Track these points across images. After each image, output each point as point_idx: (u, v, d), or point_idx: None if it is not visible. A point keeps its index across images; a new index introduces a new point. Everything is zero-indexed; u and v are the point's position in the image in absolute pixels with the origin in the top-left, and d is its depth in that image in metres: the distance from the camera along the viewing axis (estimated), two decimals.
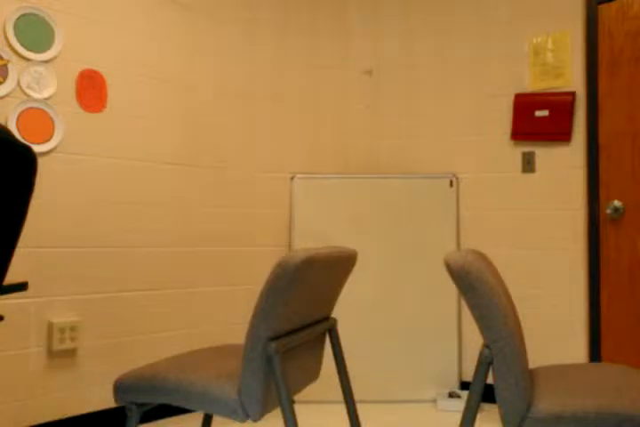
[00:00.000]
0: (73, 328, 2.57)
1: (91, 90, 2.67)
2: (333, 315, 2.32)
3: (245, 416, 1.67)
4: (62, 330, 2.53)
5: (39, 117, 2.50)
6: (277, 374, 1.64)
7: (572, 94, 3.01)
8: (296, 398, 3.16)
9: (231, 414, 1.67)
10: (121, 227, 2.77)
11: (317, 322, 2.00)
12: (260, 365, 1.64)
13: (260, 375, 1.64)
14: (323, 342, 2.12)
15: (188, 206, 3.02)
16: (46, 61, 2.52)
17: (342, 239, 3.25)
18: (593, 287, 2.97)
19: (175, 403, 1.76)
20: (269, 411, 1.75)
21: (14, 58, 2.44)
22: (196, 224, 3.05)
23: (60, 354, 2.56)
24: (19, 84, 2.44)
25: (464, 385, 3.26)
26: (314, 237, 3.25)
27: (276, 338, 1.66)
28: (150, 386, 1.79)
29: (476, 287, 1.56)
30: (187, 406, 1.75)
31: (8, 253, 1.33)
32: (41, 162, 2.49)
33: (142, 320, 2.83)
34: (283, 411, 1.66)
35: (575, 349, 2.99)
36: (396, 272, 3.26)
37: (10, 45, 2.43)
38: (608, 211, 2.92)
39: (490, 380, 2.90)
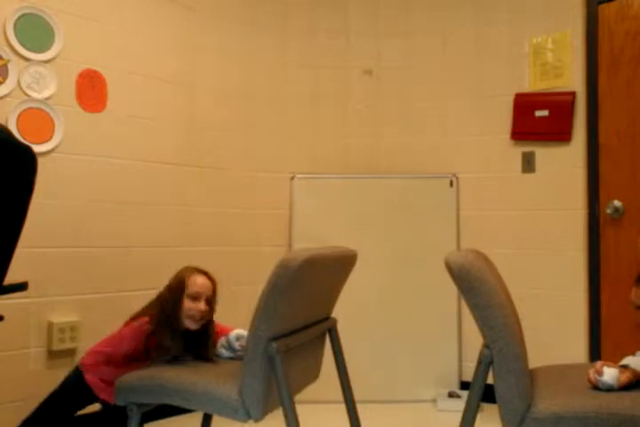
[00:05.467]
0: (73, 328, 2.57)
1: (91, 90, 2.67)
2: (333, 315, 2.33)
3: (247, 416, 1.67)
4: (62, 330, 2.53)
5: (39, 117, 2.50)
6: (279, 374, 1.64)
7: (572, 94, 3.01)
8: (296, 398, 3.15)
9: (233, 414, 1.67)
10: (121, 227, 2.77)
11: (318, 322, 2.00)
12: (261, 365, 1.64)
13: (261, 375, 1.64)
14: (323, 342, 2.12)
15: (188, 206, 3.02)
16: (46, 61, 2.52)
17: (342, 239, 3.25)
18: (593, 287, 2.97)
19: (176, 403, 1.75)
20: (270, 411, 1.75)
21: (14, 58, 2.43)
22: (196, 224, 3.05)
23: (60, 354, 2.55)
24: (19, 84, 2.44)
25: (464, 385, 3.26)
26: (314, 238, 3.25)
27: (276, 338, 1.66)
28: (151, 386, 1.79)
29: (476, 287, 1.56)
30: (187, 407, 1.74)
31: (8, 253, 1.33)
32: (41, 162, 2.49)
33: None
34: (284, 411, 1.66)
35: (575, 349, 2.99)
36: (396, 272, 3.25)
37: (10, 45, 2.42)
38: (608, 211, 2.92)
39: (490, 380, 2.90)
